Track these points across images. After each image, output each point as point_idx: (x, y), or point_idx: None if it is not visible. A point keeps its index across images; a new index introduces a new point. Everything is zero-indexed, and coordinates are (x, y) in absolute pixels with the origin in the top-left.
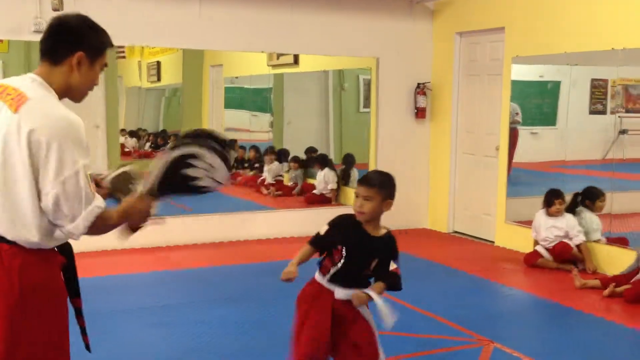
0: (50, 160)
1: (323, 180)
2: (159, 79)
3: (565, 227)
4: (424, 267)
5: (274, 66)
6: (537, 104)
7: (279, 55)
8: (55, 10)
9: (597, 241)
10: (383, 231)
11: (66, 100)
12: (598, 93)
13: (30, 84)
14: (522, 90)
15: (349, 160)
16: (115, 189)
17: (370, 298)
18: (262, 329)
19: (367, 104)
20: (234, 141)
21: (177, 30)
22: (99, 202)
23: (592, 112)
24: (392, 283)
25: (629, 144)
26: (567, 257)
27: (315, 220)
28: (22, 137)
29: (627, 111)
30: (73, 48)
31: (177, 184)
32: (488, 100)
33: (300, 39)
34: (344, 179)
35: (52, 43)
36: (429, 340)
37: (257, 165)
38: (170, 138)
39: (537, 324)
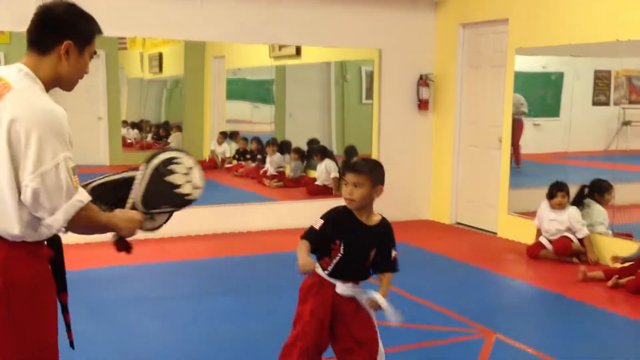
0: (29, 152)
1: (325, 170)
2: (160, 70)
3: (567, 221)
4: (427, 258)
5: (276, 58)
6: (540, 95)
7: (281, 47)
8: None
9: (603, 234)
10: (377, 218)
11: (66, 93)
12: (601, 84)
13: (17, 74)
14: (525, 82)
15: (350, 152)
16: (97, 197)
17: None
18: (263, 320)
19: (369, 95)
20: (236, 133)
21: (179, 22)
22: (81, 196)
23: (595, 103)
24: (394, 270)
25: (633, 136)
26: (567, 253)
27: (318, 212)
28: (2, 127)
29: (631, 102)
30: (60, 37)
31: (163, 196)
32: (491, 91)
33: (303, 30)
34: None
35: (39, 32)
36: (431, 332)
37: (259, 156)
38: (172, 129)
39: (539, 316)
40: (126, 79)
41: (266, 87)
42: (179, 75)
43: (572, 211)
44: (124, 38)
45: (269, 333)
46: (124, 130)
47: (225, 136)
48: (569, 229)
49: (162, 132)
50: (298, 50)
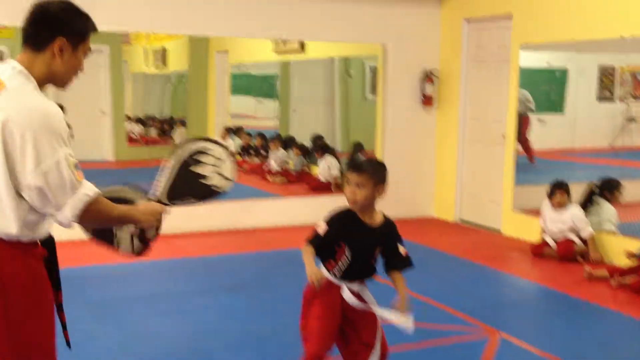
0: (26, 152)
1: (326, 167)
2: (164, 65)
3: (569, 220)
4: (430, 256)
5: (280, 53)
6: (545, 91)
7: (285, 42)
8: None
9: (611, 232)
10: (380, 217)
11: (70, 88)
12: (606, 80)
13: (10, 71)
14: (529, 77)
15: (357, 148)
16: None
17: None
18: (268, 316)
19: (373, 91)
20: (240, 128)
21: (182, 17)
22: (86, 189)
23: (600, 99)
24: (407, 266)
25: (638, 132)
26: (570, 256)
27: (321, 208)
28: None
29: (636, 98)
30: (54, 34)
31: (188, 186)
32: (495, 87)
33: (307, 25)
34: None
35: (33, 29)
36: (435, 330)
37: (263, 152)
38: (176, 124)
39: (543, 315)
40: (130, 74)
41: (270, 82)
42: (183, 70)
43: (575, 210)
44: (128, 33)
45: (273, 329)
46: (127, 125)
47: (230, 131)
48: (572, 229)
49: (166, 127)
50: (302, 46)
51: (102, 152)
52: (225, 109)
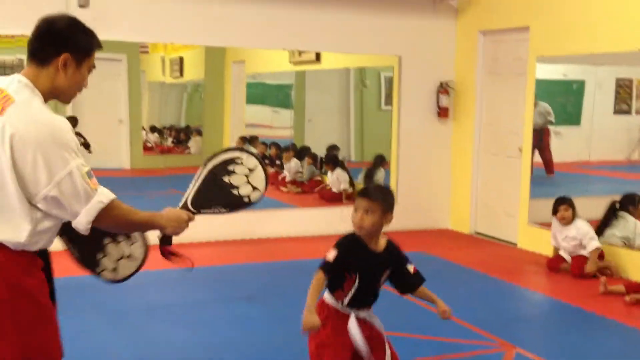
0: (38, 166)
1: (336, 180)
2: (181, 75)
3: (577, 235)
4: (445, 268)
5: (296, 63)
6: (561, 103)
7: (301, 53)
8: (81, 6)
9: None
10: (384, 242)
11: (88, 97)
12: (623, 93)
13: (16, 84)
14: (545, 89)
15: (378, 161)
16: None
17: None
18: (283, 327)
19: (388, 101)
20: (255, 137)
21: (200, 28)
22: (101, 197)
23: (617, 111)
24: (421, 281)
25: None
26: (585, 274)
27: (333, 219)
28: (5, 140)
29: None
30: (59, 49)
31: (217, 195)
32: (511, 100)
33: (323, 36)
34: (367, 178)
35: (38, 44)
36: (450, 344)
37: (278, 162)
38: (192, 133)
39: (559, 329)
40: (147, 83)
41: (285, 92)
42: (200, 79)
43: (580, 224)
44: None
45: (287, 340)
46: (143, 134)
47: (245, 141)
48: (581, 244)
49: (182, 136)
50: (318, 56)
51: (119, 161)
52: (240, 118)
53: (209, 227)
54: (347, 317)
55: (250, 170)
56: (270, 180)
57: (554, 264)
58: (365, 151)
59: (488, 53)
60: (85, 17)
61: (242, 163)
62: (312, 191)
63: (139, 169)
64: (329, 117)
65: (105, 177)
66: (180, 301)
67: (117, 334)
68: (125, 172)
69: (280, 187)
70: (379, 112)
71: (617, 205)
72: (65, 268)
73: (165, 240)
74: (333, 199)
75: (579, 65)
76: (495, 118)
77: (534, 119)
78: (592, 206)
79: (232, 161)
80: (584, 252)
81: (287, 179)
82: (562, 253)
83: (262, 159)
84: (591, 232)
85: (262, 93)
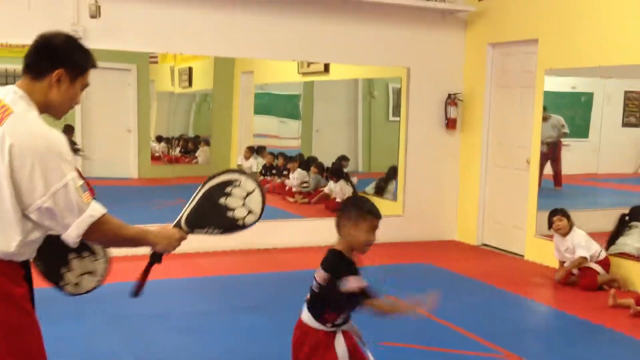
0: (35, 177)
1: (340, 191)
2: (190, 85)
3: (571, 245)
4: (452, 279)
5: (305, 74)
6: (569, 115)
7: (309, 63)
8: (92, 17)
9: None
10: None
11: (97, 106)
12: (632, 105)
13: (13, 95)
14: (554, 101)
15: (390, 172)
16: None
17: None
18: (288, 337)
19: (396, 112)
20: (263, 147)
21: (209, 38)
22: (92, 210)
23: (625, 124)
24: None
25: None
26: (594, 288)
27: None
28: (5, 150)
29: None
30: (54, 64)
31: (211, 216)
32: (520, 112)
33: (332, 48)
34: (378, 190)
35: (34, 58)
36: (456, 355)
37: (285, 172)
38: (200, 143)
39: (566, 341)
40: (156, 93)
41: (293, 102)
42: (208, 89)
43: (575, 234)
44: (156, 53)
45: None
46: (151, 144)
47: (253, 151)
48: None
49: (190, 146)
50: (326, 67)
51: (127, 170)
52: (248, 128)
53: (214, 237)
54: (332, 335)
55: (248, 193)
56: (277, 190)
57: (562, 278)
58: (373, 162)
59: (497, 65)
60: (96, 27)
61: (240, 185)
62: (317, 201)
63: (147, 179)
64: (336, 127)
65: (113, 186)
66: (186, 310)
67: (121, 342)
68: (132, 182)
69: (287, 197)
70: (386, 123)
71: (627, 218)
72: None
73: (155, 257)
74: (338, 209)
75: (587, 77)
76: (504, 130)
77: (548, 132)
78: (599, 218)
79: (230, 183)
80: (593, 265)
81: (293, 189)
82: (567, 265)
83: (270, 169)
84: (583, 241)
85: (270, 103)
